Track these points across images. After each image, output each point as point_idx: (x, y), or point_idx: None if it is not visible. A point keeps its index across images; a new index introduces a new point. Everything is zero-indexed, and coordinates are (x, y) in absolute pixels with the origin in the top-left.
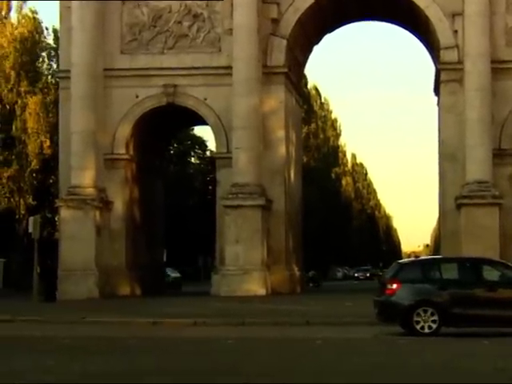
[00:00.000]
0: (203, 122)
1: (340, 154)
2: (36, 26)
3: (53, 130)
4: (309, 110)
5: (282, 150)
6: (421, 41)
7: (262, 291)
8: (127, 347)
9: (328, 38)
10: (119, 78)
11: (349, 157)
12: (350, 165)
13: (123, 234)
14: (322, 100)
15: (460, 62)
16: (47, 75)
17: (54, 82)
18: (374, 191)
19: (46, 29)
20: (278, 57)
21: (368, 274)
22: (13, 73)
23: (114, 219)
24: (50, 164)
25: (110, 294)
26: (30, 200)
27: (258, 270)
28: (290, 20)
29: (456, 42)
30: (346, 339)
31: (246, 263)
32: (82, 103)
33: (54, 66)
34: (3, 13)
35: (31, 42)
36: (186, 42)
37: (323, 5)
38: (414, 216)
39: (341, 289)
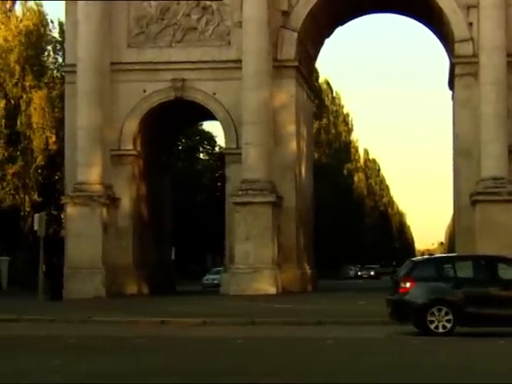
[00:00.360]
0: (212, 117)
1: (352, 150)
2: (41, 19)
3: (58, 126)
4: (320, 105)
5: (293, 145)
6: (435, 34)
7: (272, 290)
8: (134, 347)
9: (340, 31)
10: (126, 72)
11: (361, 152)
12: (362, 161)
13: (130, 231)
14: (334, 94)
15: (475, 55)
16: (53, 69)
17: (59, 76)
18: (387, 188)
19: (52, 22)
20: (289, 50)
21: (372, 273)
22: (17, 67)
23: (121, 216)
24: (55, 160)
25: (117, 293)
26: (36, 197)
27: (268, 269)
28: (300, 12)
29: (471, 35)
30: (358, 339)
31: (256, 261)
32: (88, 98)
33: (60, 59)
34: (8, 6)
35: (36, 36)
36: (194, 35)
37: None
38: (427, 213)
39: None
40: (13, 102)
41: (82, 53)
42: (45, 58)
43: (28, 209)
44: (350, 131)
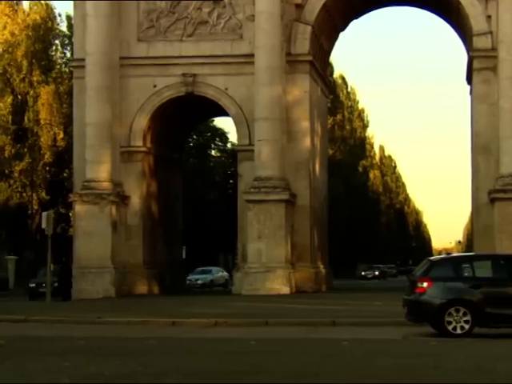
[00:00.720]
0: (224, 113)
1: (367, 146)
2: (49, 13)
3: (67, 122)
4: (335, 100)
5: (307, 141)
6: (452, 27)
7: (285, 290)
8: (145, 348)
9: (355, 24)
10: (136, 66)
11: (377, 149)
12: (377, 157)
13: (140, 230)
14: (349, 89)
15: (494, 48)
16: (61, 64)
17: (67, 71)
18: (403, 185)
19: (59, 15)
20: (303, 44)
21: (377, 273)
22: (25, 61)
23: (131, 215)
24: (63, 157)
25: (127, 293)
26: (43, 195)
27: (281, 268)
28: (315, 5)
29: (489, 28)
30: (375, 340)
31: (269, 260)
32: (97, 93)
33: (68, 54)
34: None
35: (44, 30)
36: (205, 29)
37: None
38: (445, 211)
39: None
40: (20, 97)
41: (90, 47)
42: (53, 53)
43: (35, 207)
44: (365, 127)
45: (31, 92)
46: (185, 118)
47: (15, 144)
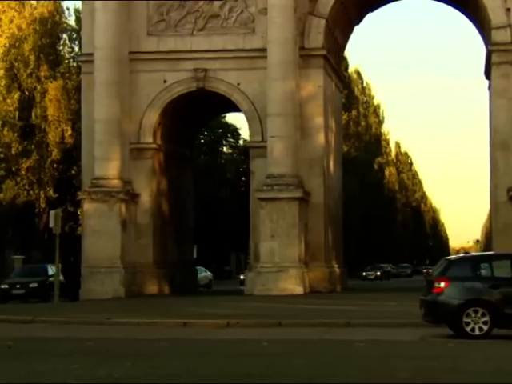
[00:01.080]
0: (236, 109)
1: (383, 143)
2: (56, 6)
3: (75, 118)
4: (349, 96)
5: (321, 138)
6: (470, 20)
7: (299, 290)
8: (156, 350)
9: (370, 17)
10: (146, 61)
11: (392, 145)
12: (393, 154)
13: (150, 228)
14: (364, 84)
15: None
16: (69, 59)
17: (75, 66)
18: (420, 182)
19: (67, 9)
20: (317, 38)
21: (378, 273)
22: (32, 56)
23: (141, 213)
24: (71, 154)
25: (137, 294)
26: (51, 193)
27: (295, 268)
28: None
29: (509, 21)
30: (391, 342)
31: (283, 260)
32: (105, 89)
33: (76, 48)
34: None
35: (51, 24)
36: (217, 22)
37: None
38: (463, 209)
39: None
40: (27, 93)
41: (99, 41)
42: (60, 47)
43: (43, 205)
44: (380, 123)
45: (38, 87)
46: (196, 113)
47: (22, 141)
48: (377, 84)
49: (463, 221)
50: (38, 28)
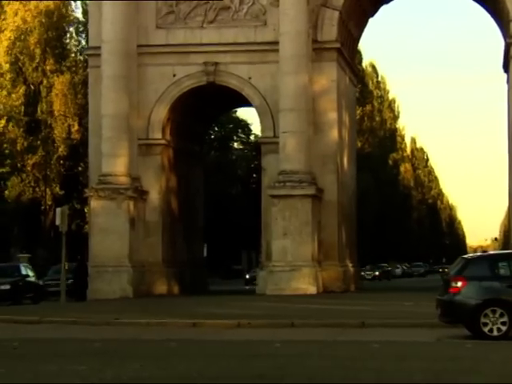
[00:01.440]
0: (247, 104)
1: (398, 138)
2: None
3: (82, 113)
4: (364, 90)
5: (334, 133)
6: (488, 12)
7: (312, 289)
8: (165, 351)
9: (385, 9)
10: (155, 55)
11: (408, 141)
12: (409, 150)
13: (159, 226)
14: (379, 78)
15: None
16: (75, 52)
17: (82, 59)
18: (436, 179)
19: (74, 1)
20: (330, 31)
21: (377, 273)
22: (38, 50)
23: (150, 210)
24: (78, 150)
25: (145, 293)
26: (57, 190)
27: (308, 267)
28: None
29: None
30: (406, 343)
31: (295, 259)
32: (113, 83)
33: (83, 42)
34: None
35: (57, 16)
36: (227, 15)
37: None
38: (480, 206)
39: (385, 287)
40: (33, 87)
41: (106, 35)
42: (67, 41)
43: (49, 202)
44: (395, 118)
45: (44, 82)
46: (206, 108)
47: (28, 136)
48: (392, 78)
49: (481, 218)
50: (43, 21)
